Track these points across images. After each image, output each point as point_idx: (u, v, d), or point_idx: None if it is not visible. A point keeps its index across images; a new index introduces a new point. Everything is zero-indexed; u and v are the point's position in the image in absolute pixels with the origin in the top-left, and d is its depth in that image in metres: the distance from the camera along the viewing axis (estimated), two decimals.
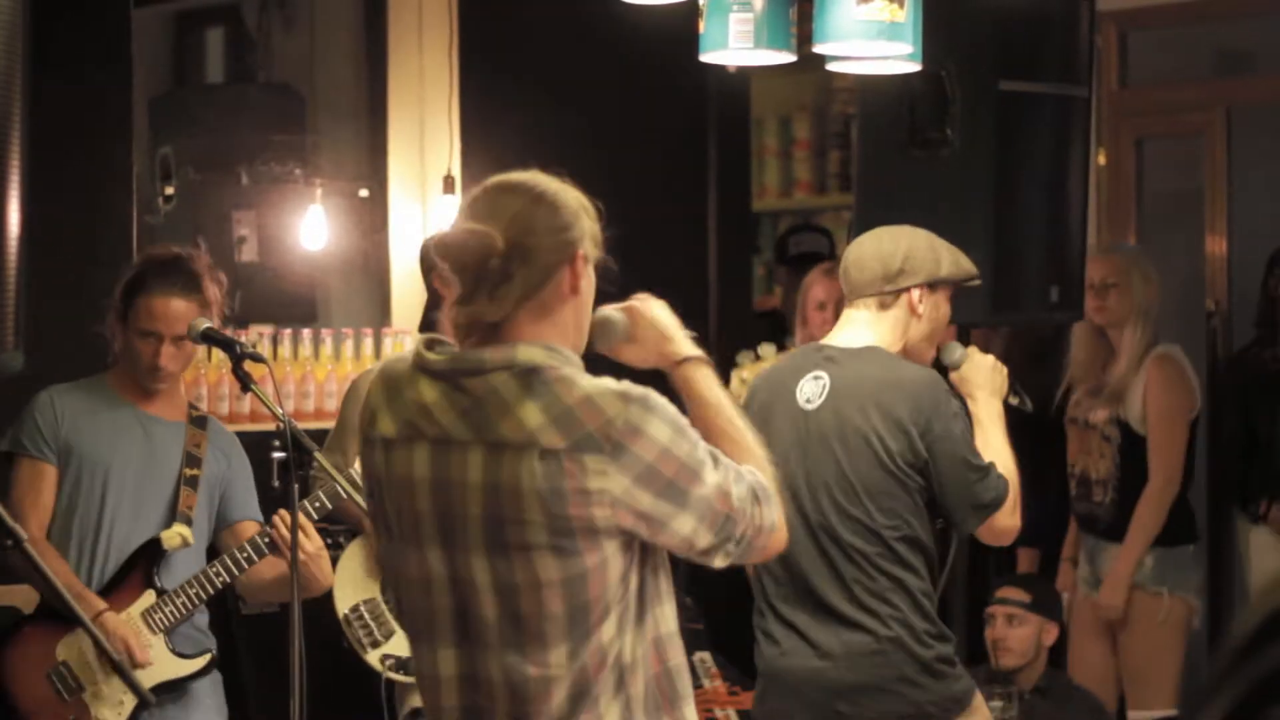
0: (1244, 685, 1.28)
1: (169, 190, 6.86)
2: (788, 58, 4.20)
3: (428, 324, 4.81)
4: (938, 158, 4.80)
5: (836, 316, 6.04)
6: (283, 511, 4.24)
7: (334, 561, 4.79)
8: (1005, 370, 4.23)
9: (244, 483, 4.56)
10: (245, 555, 4.36)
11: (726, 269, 7.34)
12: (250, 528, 4.51)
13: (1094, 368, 5.89)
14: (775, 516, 2.79)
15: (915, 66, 4.24)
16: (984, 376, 4.19)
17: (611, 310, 2.90)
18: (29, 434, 4.38)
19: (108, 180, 5.55)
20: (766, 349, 5.48)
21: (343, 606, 4.74)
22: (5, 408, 4.55)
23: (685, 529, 2.69)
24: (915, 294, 4.07)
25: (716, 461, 2.72)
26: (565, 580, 2.65)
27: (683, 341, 2.91)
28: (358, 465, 4.64)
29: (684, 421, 2.71)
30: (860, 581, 4.01)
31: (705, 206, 7.22)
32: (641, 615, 2.75)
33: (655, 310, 2.92)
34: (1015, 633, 5.44)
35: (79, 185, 5.37)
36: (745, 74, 7.13)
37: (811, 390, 4.07)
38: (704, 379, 2.88)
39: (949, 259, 4.11)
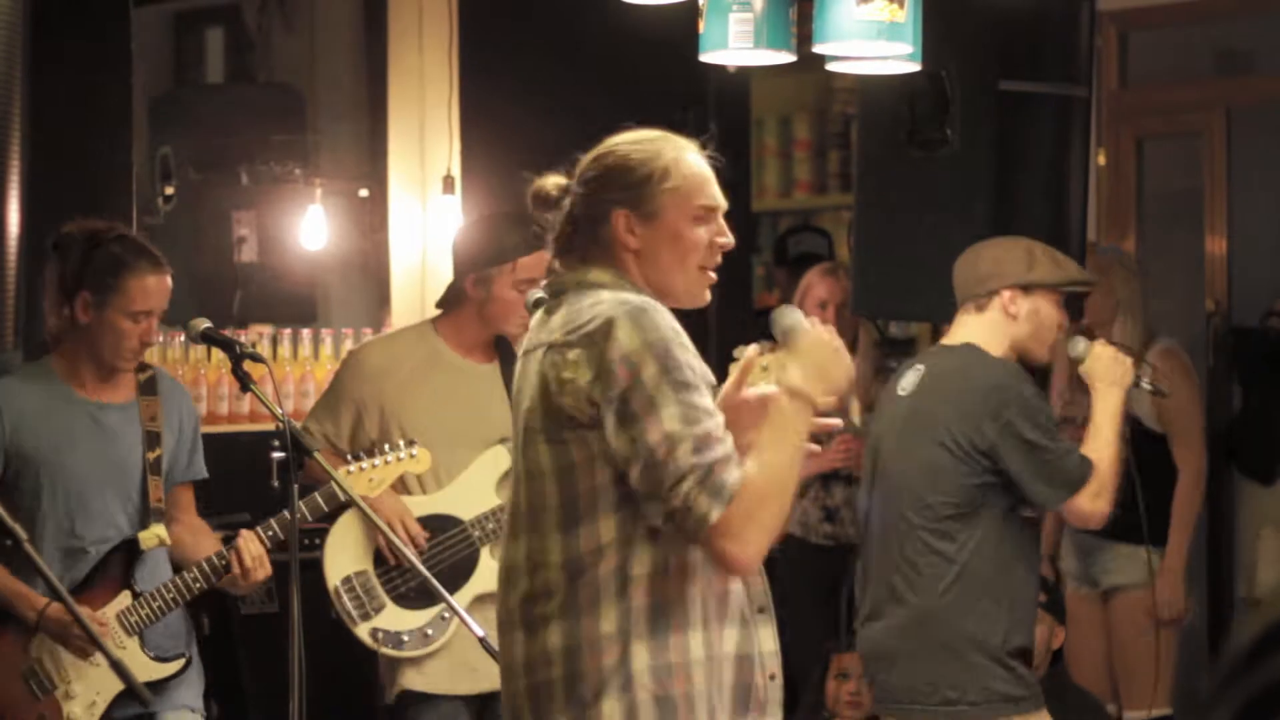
0: (1244, 696, 1.28)
1: (169, 190, 6.86)
2: (788, 58, 4.19)
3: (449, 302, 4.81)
4: (938, 158, 4.80)
5: (838, 316, 6.08)
6: (245, 534, 4.27)
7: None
8: (1128, 361, 4.39)
9: (190, 443, 4.46)
10: (224, 562, 4.31)
11: (726, 269, 7.29)
12: (185, 492, 4.45)
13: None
14: (713, 513, 2.81)
15: (915, 66, 4.24)
16: (1103, 368, 4.37)
17: (798, 315, 3.08)
18: None
19: (108, 180, 5.54)
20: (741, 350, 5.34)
21: (334, 578, 4.68)
22: None
23: (621, 451, 2.85)
24: (1006, 295, 4.32)
25: (690, 417, 2.82)
26: (558, 469, 2.91)
27: (811, 378, 2.96)
28: (344, 432, 4.67)
29: (669, 350, 2.85)
30: (908, 555, 4.32)
31: None
32: (657, 534, 2.88)
33: (816, 340, 3.02)
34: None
35: (79, 185, 5.36)
36: (745, 74, 7.13)
37: (910, 380, 4.41)
38: (790, 413, 2.94)
39: (1046, 264, 4.33)
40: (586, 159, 3.08)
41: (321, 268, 7.15)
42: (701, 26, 4.15)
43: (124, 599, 4.31)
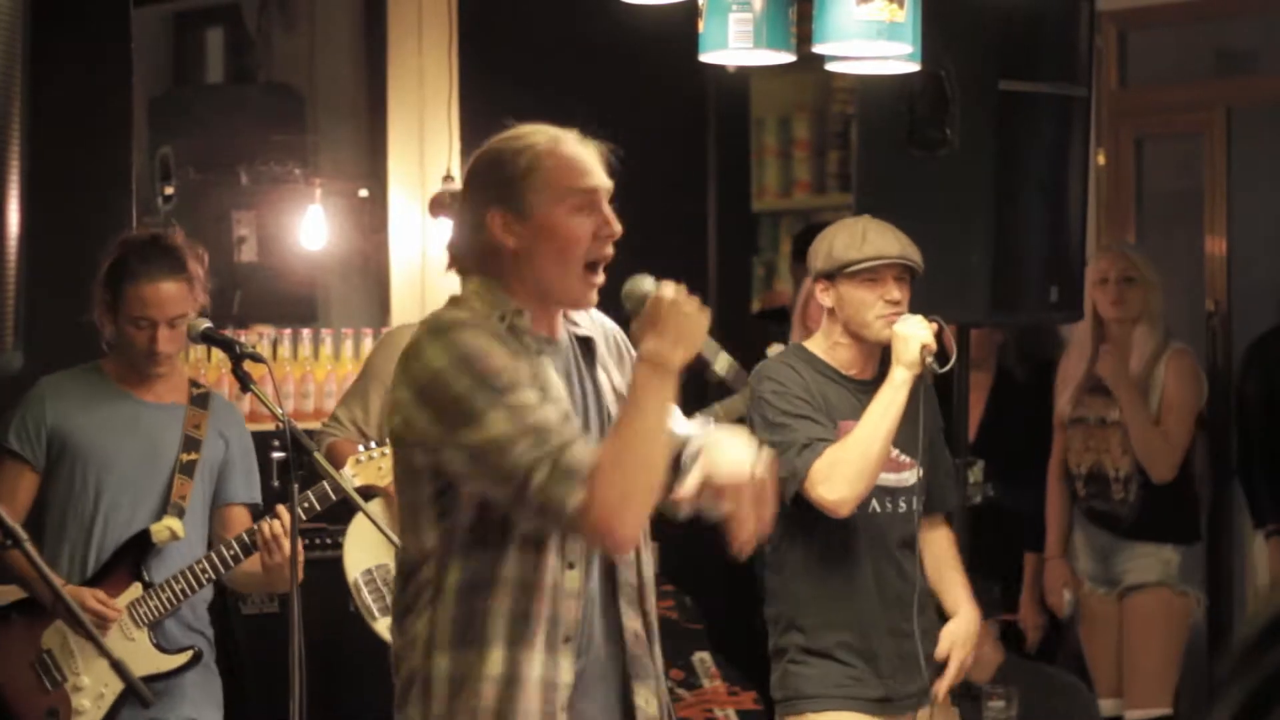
0: (1252, 684, 1.29)
1: (169, 190, 6.85)
2: (787, 58, 4.20)
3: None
4: (938, 158, 4.80)
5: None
6: (279, 510, 4.25)
7: (333, 561, 4.77)
8: (918, 340, 4.12)
9: (242, 464, 4.52)
10: (232, 553, 4.32)
11: (726, 269, 7.34)
12: (238, 513, 4.48)
13: (1089, 364, 5.88)
14: (572, 498, 2.78)
15: (915, 66, 4.24)
16: (897, 346, 4.15)
17: (647, 282, 2.95)
18: (17, 431, 4.36)
19: (108, 180, 5.54)
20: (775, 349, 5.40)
21: (354, 571, 4.66)
22: (5, 407, 4.54)
23: (457, 465, 2.86)
24: (818, 288, 4.29)
25: (516, 417, 2.80)
26: (399, 475, 2.99)
27: (662, 340, 2.86)
28: (373, 413, 4.66)
29: (481, 362, 2.82)
30: None
31: (705, 206, 7.22)
32: (470, 550, 2.89)
33: (669, 301, 2.90)
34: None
35: (79, 185, 5.36)
36: (745, 74, 7.13)
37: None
38: (643, 377, 2.87)
39: (842, 247, 4.23)
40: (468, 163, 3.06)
41: (321, 268, 7.15)
42: (701, 26, 4.16)
43: (135, 590, 4.33)
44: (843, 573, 4.19)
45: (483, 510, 2.89)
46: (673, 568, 5.72)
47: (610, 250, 2.96)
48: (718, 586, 6.30)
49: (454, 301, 2.99)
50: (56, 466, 4.36)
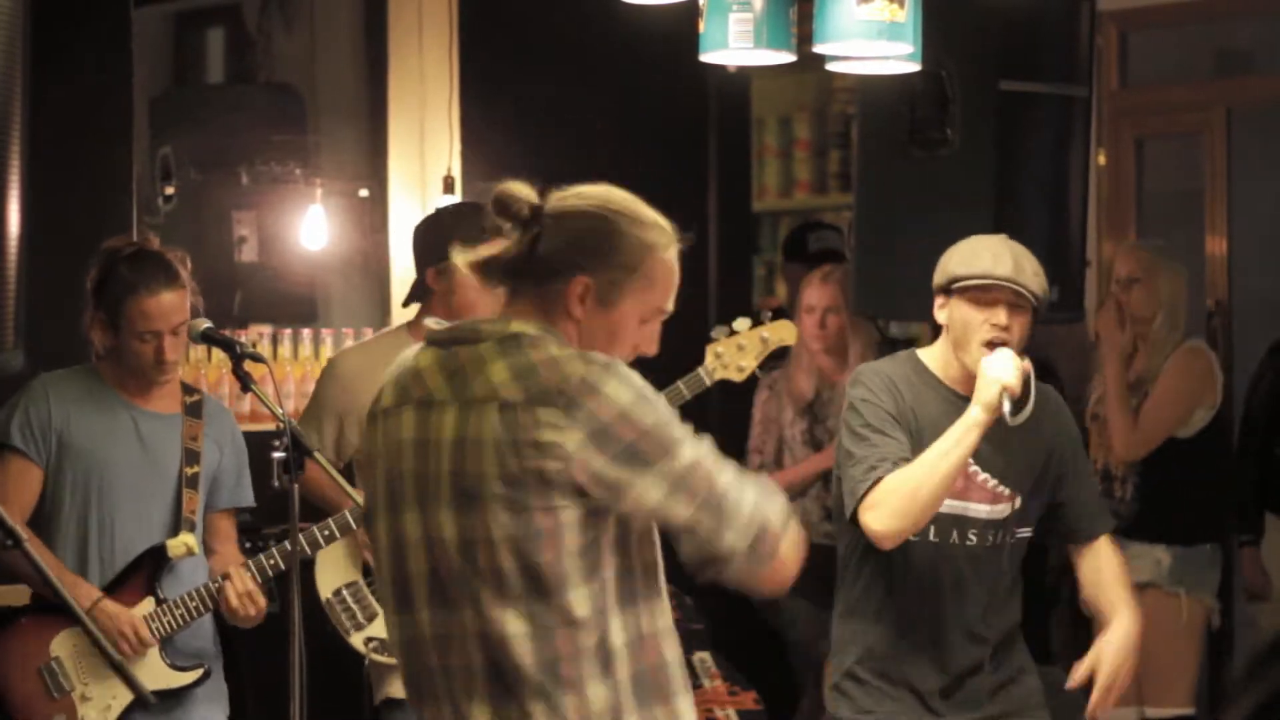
0: (1267, 687, 1.29)
1: (169, 190, 6.86)
2: (788, 58, 4.19)
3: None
4: (938, 157, 4.79)
5: (822, 324, 6.06)
6: (234, 570, 4.30)
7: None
8: (1001, 382, 3.80)
9: (233, 471, 4.50)
10: (262, 568, 4.35)
11: (726, 269, 7.34)
12: (225, 520, 4.49)
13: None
14: (783, 548, 2.79)
15: (915, 66, 4.24)
16: (979, 384, 3.85)
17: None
18: (20, 428, 4.32)
19: (108, 180, 5.55)
20: (742, 322, 5.19)
21: (326, 590, 4.70)
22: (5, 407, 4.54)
23: (651, 496, 2.71)
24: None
25: (706, 450, 2.74)
26: (517, 537, 2.69)
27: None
28: (328, 444, 4.66)
29: (653, 395, 2.74)
30: None
31: (705, 206, 7.22)
32: (628, 604, 2.78)
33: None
34: None
35: (79, 185, 5.36)
36: (745, 74, 7.13)
37: None
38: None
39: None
40: (573, 199, 2.85)
41: (322, 268, 7.15)
42: (701, 26, 4.15)
43: (147, 605, 4.32)
44: (919, 602, 3.97)
45: (622, 561, 2.78)
46: (673, 568, 5.71)
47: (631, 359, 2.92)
48: (718, 587, 6.29)
49: (532, 341, 2.76)
50: (57, 469, 4.34)
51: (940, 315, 3.97)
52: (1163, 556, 5.72)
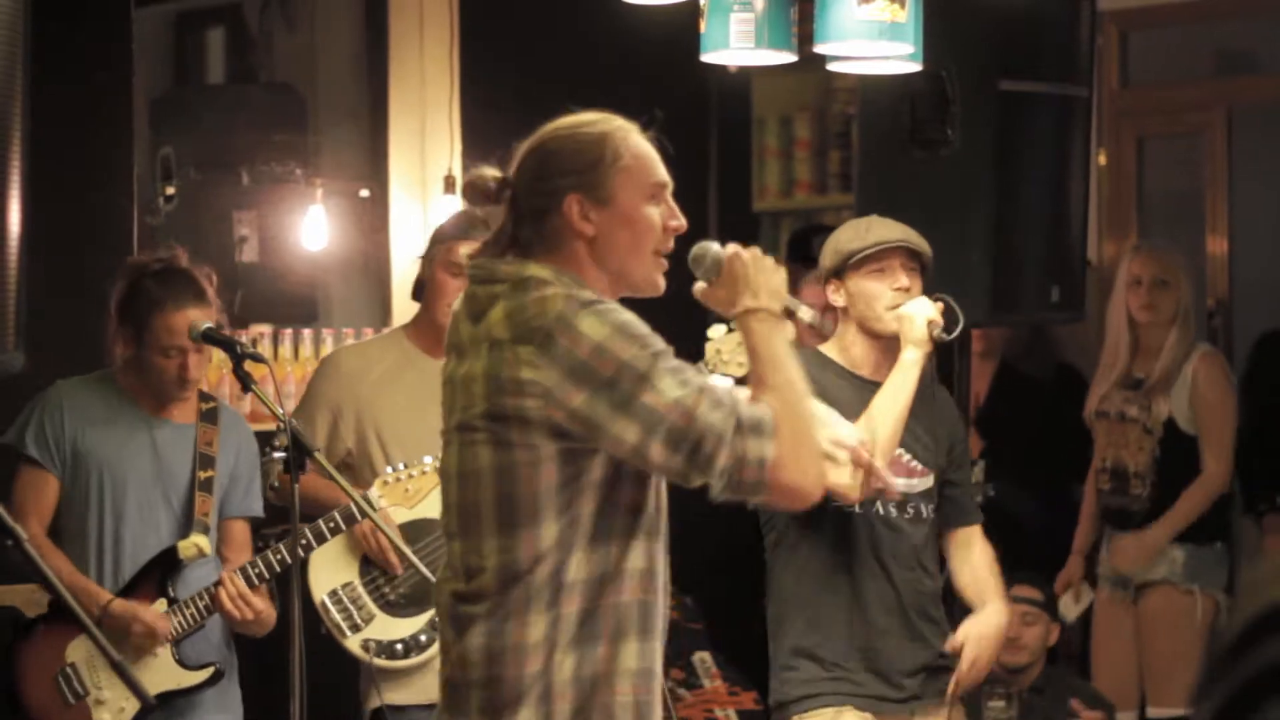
0: (1237, 681, 1.29)
1: (169, 190, 6.85)
2: (788, 58, 4.20)
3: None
4: (938, 157, 4.80)
5: (813, 327, 6.05)
6: (225, 575, 4.31)
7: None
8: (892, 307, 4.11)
9: (245, 478, 4.52)
10: (257, 571, 4.36)
11: None
12: (238, 527, 4.50)
13: (1127, 361, 5.87)
14: (767, 451, 2.74)
15: (916, 66, 4.24)
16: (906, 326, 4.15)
17: (713, 245, 2.99)
18: (35, 438, 4.35)
19: (108, 180, 5.54)
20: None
21: (319, 592, 4.68)
22: (5, 407, 4.54)
23: (629, 437, 2.73)
24: (830, 288, 4.21)
25: (684, 379, 2.73)
26: (497, 468, 2.79)
27: (758, 293, 2.93)
28: (321, 439, 4.65)
29: (637, 330, 2.75)
30: None
31: (706, 206, 7.22)
32: (599, 541, 2.81)
33: (749, 258, 2.95)
34: (1029, 631, 5.44)
35: (79, 185, 5.36)
36: (746, 74, 7.13)
37: None
38: (762, 332, 2.91)
39: (846, 240, 4.19)
40: (525, 147, 2.95)
41: (322, 268, 7.14)
42: (702, 26, 4.16)
43: (160, 606, 4.33)
44: (840, 574, 4.13)
45: (607, 497, 2.80)
46: (673, 567, 5.71)
47: (672, 243, 2.95)
48: (718, 586, 6.29)
49: (537, 283, 2.81)
50: (72, 479, 4.36)
51: (836, 299, 4.17)
52: (1177, 554, 5.74)
